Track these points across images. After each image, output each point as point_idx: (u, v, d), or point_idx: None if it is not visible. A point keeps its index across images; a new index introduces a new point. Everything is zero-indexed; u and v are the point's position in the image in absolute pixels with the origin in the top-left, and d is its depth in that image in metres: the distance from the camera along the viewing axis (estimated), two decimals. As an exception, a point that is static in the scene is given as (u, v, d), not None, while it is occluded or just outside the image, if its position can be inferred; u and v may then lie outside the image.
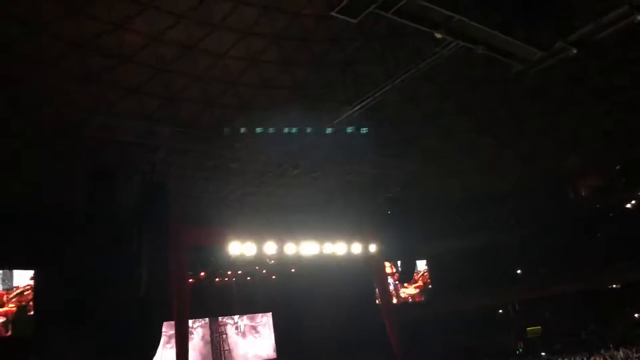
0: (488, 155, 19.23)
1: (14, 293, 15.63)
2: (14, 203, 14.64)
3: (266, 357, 22.73)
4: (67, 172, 14.17)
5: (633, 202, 22.55)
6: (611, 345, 16.54)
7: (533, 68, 10.42)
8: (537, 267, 23.59)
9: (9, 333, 15.25)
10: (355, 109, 12.50)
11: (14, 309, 15.47)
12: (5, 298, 15.43)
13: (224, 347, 21.23)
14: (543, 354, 18.05)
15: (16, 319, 15.41)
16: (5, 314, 15.31)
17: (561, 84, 15.83)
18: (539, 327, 22.01)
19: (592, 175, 22.97)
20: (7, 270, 15.51)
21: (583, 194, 23.45)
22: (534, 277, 23.33)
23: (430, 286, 26.21)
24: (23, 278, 15.89)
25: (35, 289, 15.83)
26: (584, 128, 18.64)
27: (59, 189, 14.85)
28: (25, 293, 15.76)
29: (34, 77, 11.09)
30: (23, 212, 14.72)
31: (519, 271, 24.62)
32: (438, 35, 9.57)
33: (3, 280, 15.53)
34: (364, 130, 13.41)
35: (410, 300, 25.64)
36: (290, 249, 18.29)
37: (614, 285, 22.73)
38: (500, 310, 24.51)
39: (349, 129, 13.28)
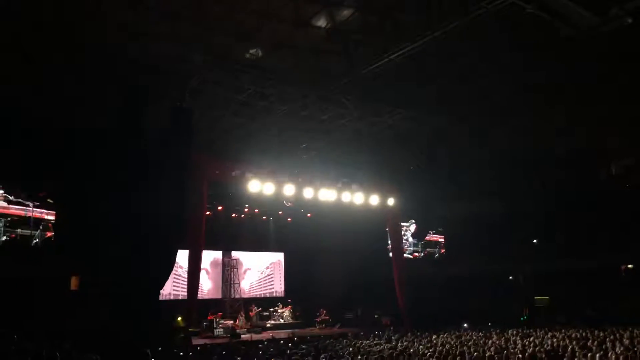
0: (522, 120, 18.67)
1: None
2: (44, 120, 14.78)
3: (274, 296, 23.34)
4: (100, 92, 14.21)
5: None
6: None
7: (584, 34, 9.94)
8: (554, 240, 23.55)
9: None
10: (392, 57, 12.15)
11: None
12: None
13: (233, 281, 21.80)
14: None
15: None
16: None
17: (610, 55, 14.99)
18: (547, 297, 22.12)
19: (626, 154, 22.41)
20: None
21: (614, 172, 22.94)
22: (550, 250, 23.29)
23: (443, 247, 26.44)
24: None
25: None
26: (625, 105, 17.87)
27: (91, 108, 14.96)
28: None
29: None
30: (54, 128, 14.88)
31: (535, 241, 24.64)
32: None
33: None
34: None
35: (421, 257, 25.87)
36: (309, 193, 18.37)
37: (629, 266, 22.59)
38: (510, 277, 24.65)
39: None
